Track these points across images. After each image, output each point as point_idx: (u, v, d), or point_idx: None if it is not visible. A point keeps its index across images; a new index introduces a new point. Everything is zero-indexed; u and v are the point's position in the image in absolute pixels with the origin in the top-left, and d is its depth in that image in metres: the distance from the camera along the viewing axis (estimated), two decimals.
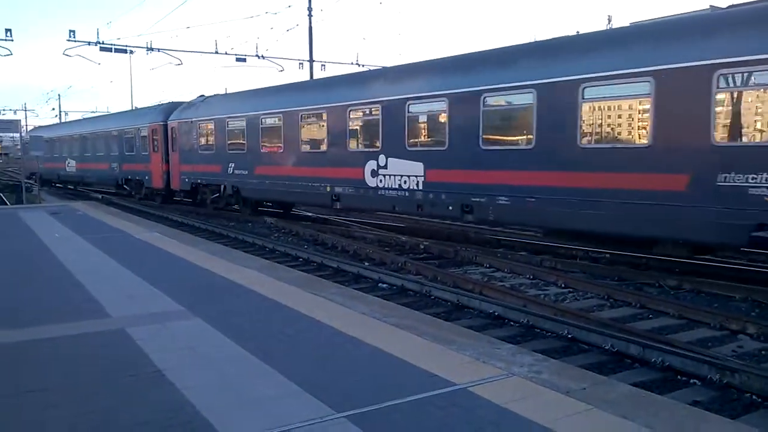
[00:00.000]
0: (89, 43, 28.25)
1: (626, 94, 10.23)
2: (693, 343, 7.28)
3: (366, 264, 12.33)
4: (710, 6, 10.59)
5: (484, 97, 12.17)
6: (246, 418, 4.05)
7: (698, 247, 10.16)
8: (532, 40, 13.38)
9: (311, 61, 31.74)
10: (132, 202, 26.96)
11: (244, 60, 31.34)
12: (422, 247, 14.05)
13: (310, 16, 31.00)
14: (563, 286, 10.34)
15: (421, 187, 13.60)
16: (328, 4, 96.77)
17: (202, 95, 23.77)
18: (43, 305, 7.08)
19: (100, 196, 30.77)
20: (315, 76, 31.29)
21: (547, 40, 12.43)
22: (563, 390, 4.44)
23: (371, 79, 16.02)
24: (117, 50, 28.98)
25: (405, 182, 13.95)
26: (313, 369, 4.91)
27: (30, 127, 56.92)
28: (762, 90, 8.80)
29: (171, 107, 25.34)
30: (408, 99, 13.82)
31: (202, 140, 21.82)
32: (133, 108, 38.71)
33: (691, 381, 6.11)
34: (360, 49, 55.29)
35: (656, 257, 11.57)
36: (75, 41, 27.93)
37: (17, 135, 31.62)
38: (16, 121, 29.06)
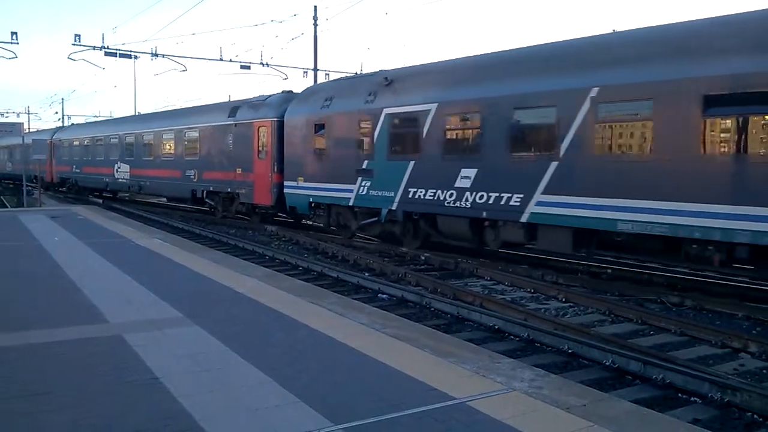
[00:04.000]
0: (94, 48, 28.32)
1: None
2: (694, 360, 7.22)
3: (366, 274, 12.29)
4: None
5: (142, 134, 27.61)
6: (243, 428, 4.00)
7: (193, 200, 24.07)
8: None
9: (315, 69, 31.81)
10: (133, 207, 27.35)
11: (249, 67, 31.40)
12: (423, 258, 14.01)
13: (315, 25, 31.13)
14: (564, 300, 10.30)
15: (128, 178, 28.29)
16: (334, 14, 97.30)
17: (73, 123, 43.98)
18: (42, 309, 7.05)
19: (101, 201, 30.85)
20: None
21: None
22: (564, 406, 4.40)
23: (118, 122, 33.52)
24: (122, 55, 29.04)
25: (124, 175, 28.64)
26: (311, 379, 4.87)
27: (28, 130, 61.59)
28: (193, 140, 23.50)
29: (56, 130, 42.43)
30: (125, 134, 29.03)
31: (63, 152, 36.75)
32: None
33: (692, 399, 6.06)
34: (364, 59, 55.31)
35: (659, 273, 11.54)
36: (80, 45, 28.02)
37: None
38: (19, 124, 29.35)
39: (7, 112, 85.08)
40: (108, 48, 28.34)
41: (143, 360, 5.28)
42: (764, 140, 8.75)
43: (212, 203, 22.52)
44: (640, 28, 10.85)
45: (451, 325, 8.76)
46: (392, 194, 14.28)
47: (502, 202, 11.90)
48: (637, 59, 10.06)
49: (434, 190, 13.26)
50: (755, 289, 10.40)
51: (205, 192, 22.51)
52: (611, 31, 11.27)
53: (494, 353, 5.88)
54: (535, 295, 10.76)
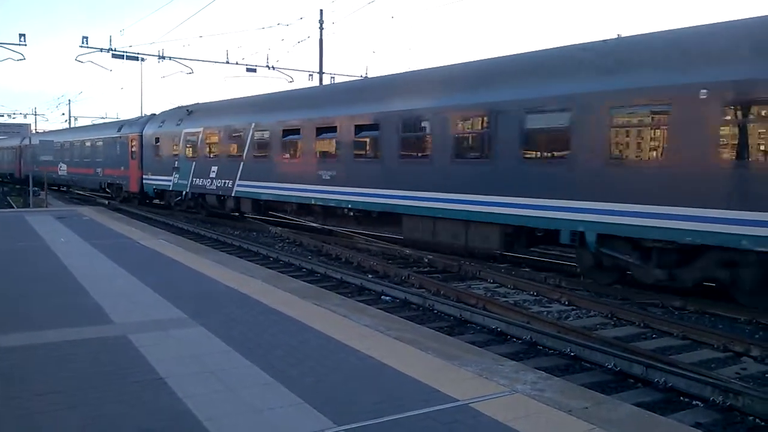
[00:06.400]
0: (102, 50, 28.51)
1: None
2: (696, 364, 7.23)
3: (369, 276, 12.33)
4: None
5: (73, 142, 36.33)
6: (247, 429, 4.04)
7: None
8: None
9: (321, 72, 31.92)
10: (137, 209, 27.41)
11: (255, 70, 31.54)
12: (426, 260, 14.05)
13: (321, 28, 31.24)
14: (567, 303, 10.31)
15: (66, 175, 36.49)
16: (340, 17, 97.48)
17: (39, 131, 55.79)
18: (49, 310, 7.11)
19: (106, 202, 31.00)
20: None
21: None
22: (566, 409, 4.43)
23: (63, 131, 42.03)
24: (129, 57, 29.22)
25: (64, 173, 36.49)
26: (314, 381, 4.91)
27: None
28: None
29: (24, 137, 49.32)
30: (64, 141, 36.75)
31: (27, 153, 40.25)
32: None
33: (694, 402, 6.07)
34: (370, 62, 55.42)
35: None
36: (87, 47, 28.21)
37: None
38: (26, 125, 29.77)
39: (14, 113, 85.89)
40: (115, 50, 28.54)
41: (148, 360, 5.33)
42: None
43: (110, 192, 31.45)
44: (295, 90, 22.07)
45: (454, 328, 8.79)
46: (187, 182, 23.30)
47: (226, 185, 20.91)
48: (268, 110, 19.82)
49: (203, 179, 22.22)
50: None
51: (106, 184, 31.58)
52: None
53: (497, 356, 5.91)
54: (537, 298, 10.79)
